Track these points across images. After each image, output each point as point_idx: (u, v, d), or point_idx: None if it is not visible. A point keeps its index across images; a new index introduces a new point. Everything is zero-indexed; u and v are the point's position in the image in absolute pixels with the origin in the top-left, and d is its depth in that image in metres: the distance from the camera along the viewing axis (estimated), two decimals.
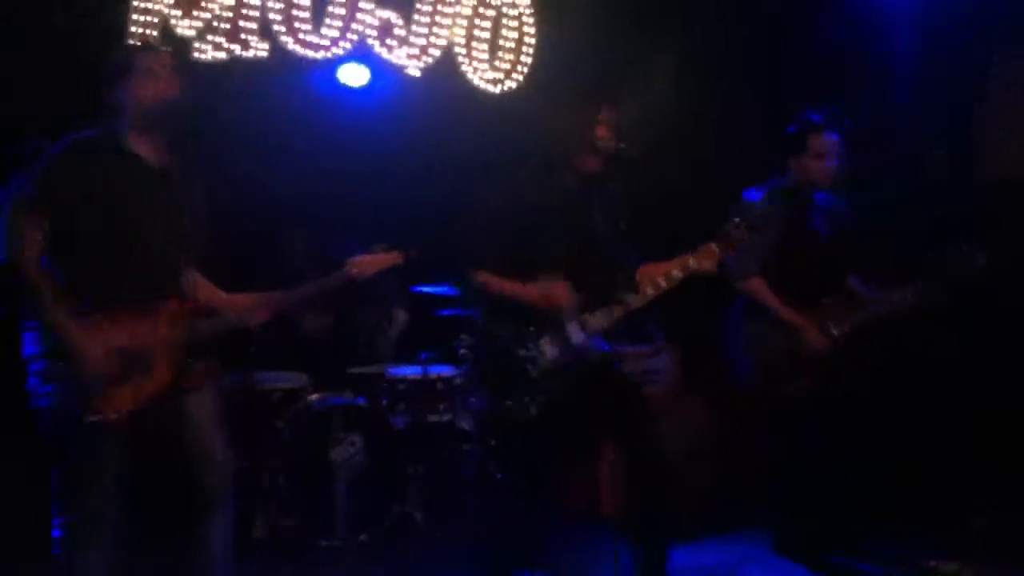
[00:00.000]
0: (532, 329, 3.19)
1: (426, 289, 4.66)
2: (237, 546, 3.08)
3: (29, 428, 2.71)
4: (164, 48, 3.88)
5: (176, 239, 2.82)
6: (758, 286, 3.98)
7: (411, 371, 4.55)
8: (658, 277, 3.18)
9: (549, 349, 3.17)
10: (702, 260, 3.22)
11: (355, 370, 4.63)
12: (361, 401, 4.23)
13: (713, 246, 3.24)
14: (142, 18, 4.22)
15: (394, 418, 4.33)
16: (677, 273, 3.19)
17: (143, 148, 2.83)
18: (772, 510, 4.20)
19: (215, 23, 4.39)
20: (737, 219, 3.26)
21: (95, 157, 2.75)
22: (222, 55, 4.41)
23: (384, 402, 4.46)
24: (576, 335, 3.18)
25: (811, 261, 4.00)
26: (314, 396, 4.21)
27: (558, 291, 3.15)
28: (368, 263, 3.12)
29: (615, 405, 3.24)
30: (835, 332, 3.93)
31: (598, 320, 3.18)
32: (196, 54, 4.36)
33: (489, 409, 3.27)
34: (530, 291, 3.17)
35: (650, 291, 3.17)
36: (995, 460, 4.38)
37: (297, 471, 4.02)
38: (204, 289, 3.01)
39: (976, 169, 4.65)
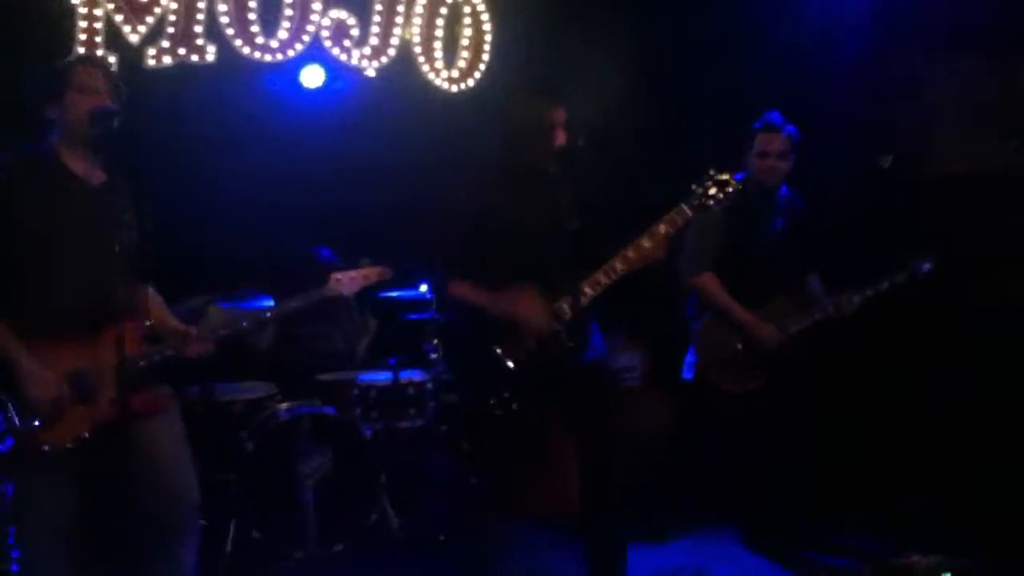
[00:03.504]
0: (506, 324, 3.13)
1: (393, 294, 4.57)
2: (210, 561, 2.99)
3: None
4: (101, 60, 3.80)
5: (116, 259, 2.68)
6: (709, 282, 3.97)
7: (381, 377, 4.46)
8: (629, 251, 3.12)
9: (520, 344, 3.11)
10: (676, 224, 3.15)
11: (323, 377, 4.54)
12: (329, 410, 4.13)
13: (684, 208, 3.16)
14: (87, 24, 4.10)
15: (365, 425, 4.25)
16: (631, 255, 3.12)
17: (78, 166, 2.74)
18: (740, 506, 4.20)
19: (163, 28, 4.28)
20: (694, 190, 3.19)
21: (24, 177, 2.66)
22: (171, 60, 4.30)
23: (355, 410, 4.37)
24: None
25: (765, 259, 3.99)
26: (281, 406, 4.11)
27: (526, 303, 3.08)
28: (353, 279, 3.02)
29: (578, 401, 3.19)
30: (785, 332, 3.92)
31: (569, 307, 3.11)
32: (147, 61, 4.26)
33: (469, 409, 3.20)
34: (500, 303, 3.11)
35: (619, 266, 3.11)
36: (953, 456, 4.36)
37: (264, 484, 3.92)
38: (155, 310, 2.89)
39: (921, 167, 4.71)
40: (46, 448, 2.53)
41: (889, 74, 4.91)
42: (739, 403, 3.97)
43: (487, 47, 5.16)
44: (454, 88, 5.12)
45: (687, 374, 4.15)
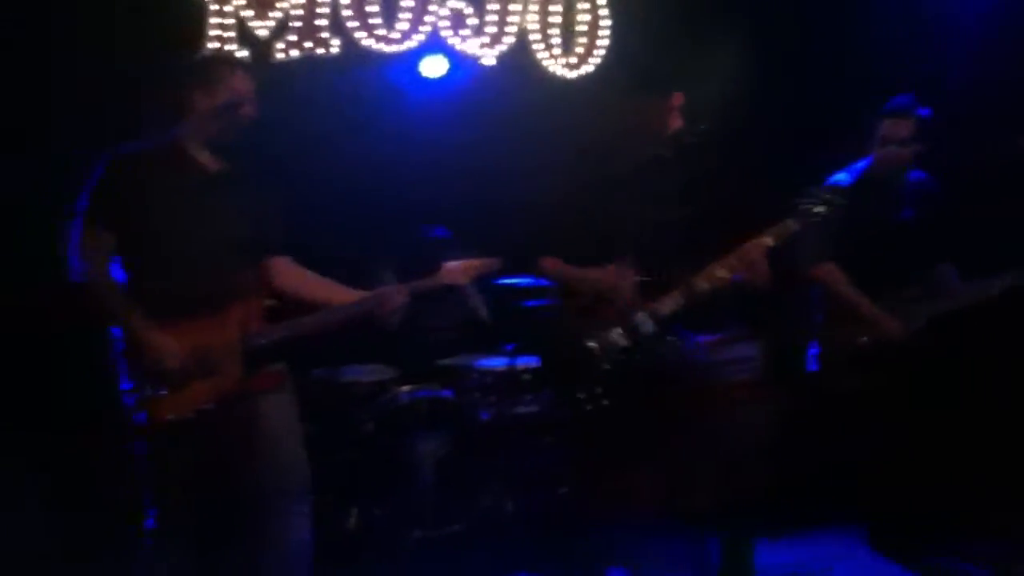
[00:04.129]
0: (600, 320, 3.11)
1: (509, 280, 4.62)
2: (328, 538, 3.11)
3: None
4: (230, 55, 3.96)
5: (236, 244, 2.82)
6: (832, 273, 3.83)
7: (497, 363, 4.52)
8: (731, 258, 3.06)
9: (619, 339, 3.09)
10: (781, 237, 3.08)
11: (442, 362, 4.63)
12: (447, 394, 4.21)
13: (791, 222, 3.09)
14: (219, 20, 4.28)
15: (481, 410, 4.31)
16: (752, 252, 3.05)
17: (203, 156, 2.87)
18: (864, 506, 4.06)
19: (289, 22, 4.43)
20: (815, 196, 3.11)
21: (151, 164, 2.80)
22: (297, 53, 4.44)
23: (473, 394, 4.44)
24: (645, 325, 3.08)
25: (892, 248, 3.82)
26: (401, 388, 4.22)
27: (624, 278, 3.06)
28: (462, 270, 3.06)
29: (686, 397, 3.13)
30: (914, 325, 3.75)
31: (666, 307, 3.08)
32: (275, 54, 4.41)
33: (557, 403, 3.20)
34: (593, 275, 3.10)
35: (720, 272, 3.05)
36: None
37: (385, 464, 4.04)
38: (311, 284, 3.00)
39: None
40: (170, 417, 2.68)
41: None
42: (863, 398, 3.83)
43: (604, 31, 5.12)
44: (571, 74, 5.10)
45: (812, 367, 4.04)
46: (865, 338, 3.81)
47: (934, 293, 3.85)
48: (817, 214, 3.06)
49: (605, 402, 3.04)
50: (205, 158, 2.88)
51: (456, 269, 3.05)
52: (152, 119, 2.92)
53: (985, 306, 3.78)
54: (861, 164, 3.92)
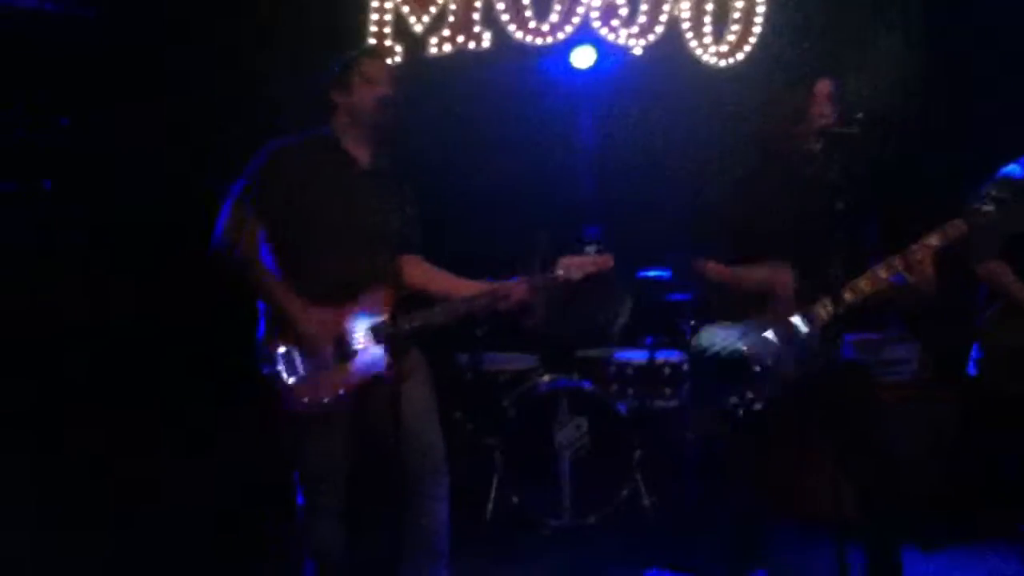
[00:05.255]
0: (757, 322, 3.05)
1: (651, 274, 4.60)
2: (467, 522, 3.19)
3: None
4: (384, 50, 4.07)
5: (386, 236, 2.90)
6: (999, 270, 3.62)
7: (637, 356, 4.52)
8: (896, 260, 2.94)
9: (774, 343, 3.03)
10: (949, 238, 2.93)
11: (582, 353, 4.66)
12: (587, 385, 4.25)
13: (960, 222, 2.93)
14: (378, 17, 4.43)
15: (620, 402, 4.33)
16: (918, 254, 2.90)
17: (356, 150, 2.96)
18: None
19: (445, 16, 4.54)
20: (985, 193, 2.93)
21: (307, 156, 2.91)
22: (450, 48, 4.55)
23: (612, 386, 4.46)
24: (803, 327, 3.01)
25: None
26: (542, 378, 4.29)
27: (782, 276, 2.99)
28: (577, 265, 3.08)
29: (840, 399, 3.04)
30: None
31: (826, 309, 2.98)
32: (429, 49, 4.53)
33: (708, 405, 3.16)
34: (753, 274, 3.04)
35: (883, 273, 2.94)
36: None
37: (524, 452, 4.11)
38: (437, 279, 3.10)
39: None
40: (305, 401, 2.80)
41: None
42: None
43: (759, 19, 4.99)
44: (722, 63, 5.00)
45: (971, 370, 3.84)
46: None
47: None
48: (988, 214, 2.89)
49: (757, 407, 2.99)
50: (359, 152, 2.98)
51: (572, 264, 3.06)
52: (312, 113, 3.02)
53: None
54: None
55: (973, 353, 3.84)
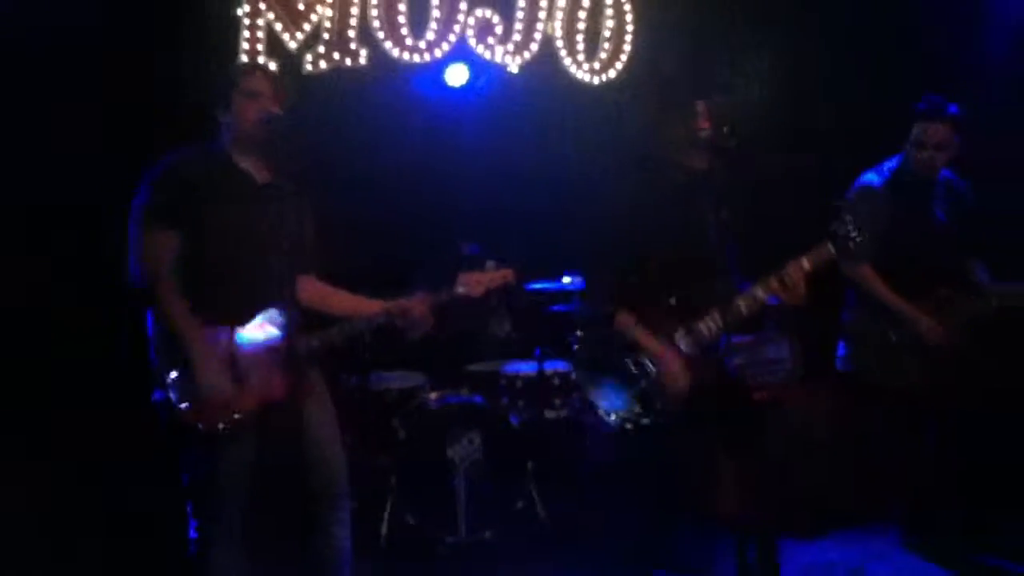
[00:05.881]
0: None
1: (537, 286, 4.64)
2: (362, 545, 3.14)
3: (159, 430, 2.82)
4: (269, 66, 4.01)
5: (284, 254, 2.83)
6: (867, 274, 3.83)
7: (526, 368, 4.54)
8: (772, 280, 3.06)
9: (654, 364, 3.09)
10: (818, 261, 3.07)
11: (471, 368, 4.65)
12: (478, 399, 4.25)
13: (828, 248, 3.07)
14: (250, 33, 4.34)
15: (512, 415, 4.34)
16: (793, 275, 3.04)
17: (248, 165, 2.91)
18: (900, 504, 4.05)
19: (320, 33, 4.49)
20: (846, 212, 3.10)
21: (203, 169, 2.85)
22: (326, 65, 4.49)
23: (502, 400, 4.47)
24: (684, 345, 3.09)
25: (925, 248, 3.83)
26: (431, 395, 4.25)
27: (671, 360, 3.05)
28: (477, 281, 3.09)
29: (721, 401, 3.15)
30: (947, 324, 3.75)
31: (707, 328, 3.08)
32: (305, 66, 4.46)
33: (596, 416, 3.20)
34: (649, 343, 3.08)
35: (760, 294, 3.07)
36: None
37: (417, 470, 4.07)
38: (335, 298, 3.06)
39: None
40: (216, 424, 2.71)
41: None
42: (894, 398, 3.84)
43: (629, 37, 5.14)
44: (595, 80, 5.13)
45: (840, 366, 4.05)
46: (894, 337, 3.80)
47: (967, 292, 3.84)
48: (853, 239, 3.06)
49: (645, 421, 3.05)
50: (252, 167, 2.93)
51: (471, 280, 3.08)
52: (190, 129, 2.97)
53: (1018, 306, 3.76)
54: (892, 163, 3.91)
55: (839, 351, 4.04)
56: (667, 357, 3.05)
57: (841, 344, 4.04)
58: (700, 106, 3.12)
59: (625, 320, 3.11)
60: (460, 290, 3.06)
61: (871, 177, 3.92)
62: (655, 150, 3.21)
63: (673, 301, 3.10)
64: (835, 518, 4.17)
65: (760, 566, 3.17)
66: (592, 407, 3.17)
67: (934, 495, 3.89)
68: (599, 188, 3.32)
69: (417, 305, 3.00)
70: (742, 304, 3.07)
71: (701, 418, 3.14)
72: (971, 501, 3.90)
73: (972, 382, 3.79)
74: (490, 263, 3.12)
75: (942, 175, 3.92)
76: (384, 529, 4.04)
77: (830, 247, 3.07)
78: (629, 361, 3.09)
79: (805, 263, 3.06)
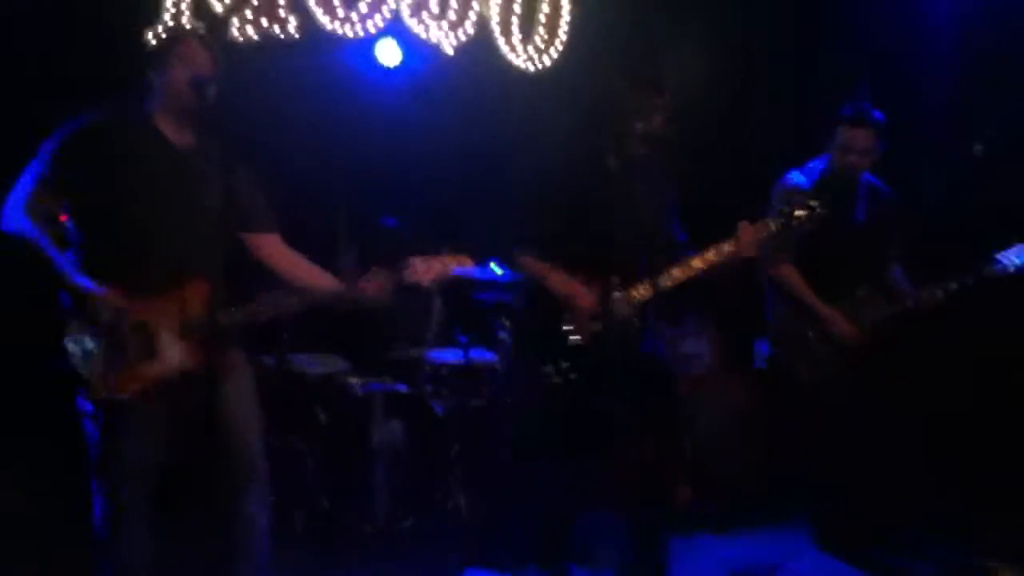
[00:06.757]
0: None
1: (464, 272, 4.55)
2: (279, 532, 3.02)
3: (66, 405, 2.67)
4: (199, 29, 3.83)
5: (203, 221, 2.71)
6: (788, 273, 3.89)
7: (452, 356, 4.47)
8: (694, 260, 3.12)
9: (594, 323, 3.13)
10: (742, 246, 3.14)
11: (395, 355, 4.55)
12: (402, 387, 4.16)
13: (768, 222, 3.15)
14: None
15: (436, 402, 4.26)
16: (711, 256, 3.14)
17: (170, 131, 2.79)
18: (813, 502, 4.11)
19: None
20: (782, 207, 3.17)
21: (114, 136, 2.73)
22: (253, 32, 4.31)
23: (427, 387, 4.38)
24: (620, 308, 3.12)
25: (847, 249, 3.88)
26: (355, 380, 4.14)
27: (579, 293, 3.13)
28: (427, 270, 2.96)
29: (645, 387, 3.18)
30: (864, 323, 3.83)
31: (640, 293, 3.14)
32: (232, 32, 4.28)
33: (527, 379, 3.21)
34: (557, 280, 3.17)
35: (679, 274, 3.13)
36: None
37: (337, 457, 3.96)
38: (298, 266, 2.96)
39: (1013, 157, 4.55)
40: (102, 396, 2.58)
41: (984, 63, 4.75)
42: (813, 395, 3.90)
43: (565, 24, 5.10)
44: (530, 66, 5.07)
45: (759, 364, 4.10)
46: (812, 335, 3.86)
47: (884, 294, 3.93)
48: (798, 218, 3.10)
49: (572, 376, 3.07)
50: (175, 133, 2.79)
51: (420, 267, 2.93)
52: (119, 90, 2.82)
53: (933, 308, 3.86)
54: (818, 165, 3.96)
55: (764, 349, 4.09)
56: (577, 290, 3.11)
57: (763, 342, 4.08)
58: (662, 100, 3.13)
59: (527, 259, 3.18)
60: (410, 277, 2.92)
61: (799, 178, 3.97)
62: (598, 135, 3.20)
63: (617, 280, 3.12)
64: (751, 513, 4.21)
65: (642, 554, 3.19)
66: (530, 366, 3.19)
67: (849, 494, 3.95)
68: (530, 169, 3.32)
69: (370, 287, 2.87)
70: (676, 270, 3.13)
71: (623, 394, 3.15)
72: (886, 500, 3.98)
73: (888, 381, 3.87)
74: (445, 248, 2.99)
75: (864, 178, 3.99)
76: (300, 516, 3.91)
77: (771, 222, 3.15)
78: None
79: (727, 248, 3.14)
